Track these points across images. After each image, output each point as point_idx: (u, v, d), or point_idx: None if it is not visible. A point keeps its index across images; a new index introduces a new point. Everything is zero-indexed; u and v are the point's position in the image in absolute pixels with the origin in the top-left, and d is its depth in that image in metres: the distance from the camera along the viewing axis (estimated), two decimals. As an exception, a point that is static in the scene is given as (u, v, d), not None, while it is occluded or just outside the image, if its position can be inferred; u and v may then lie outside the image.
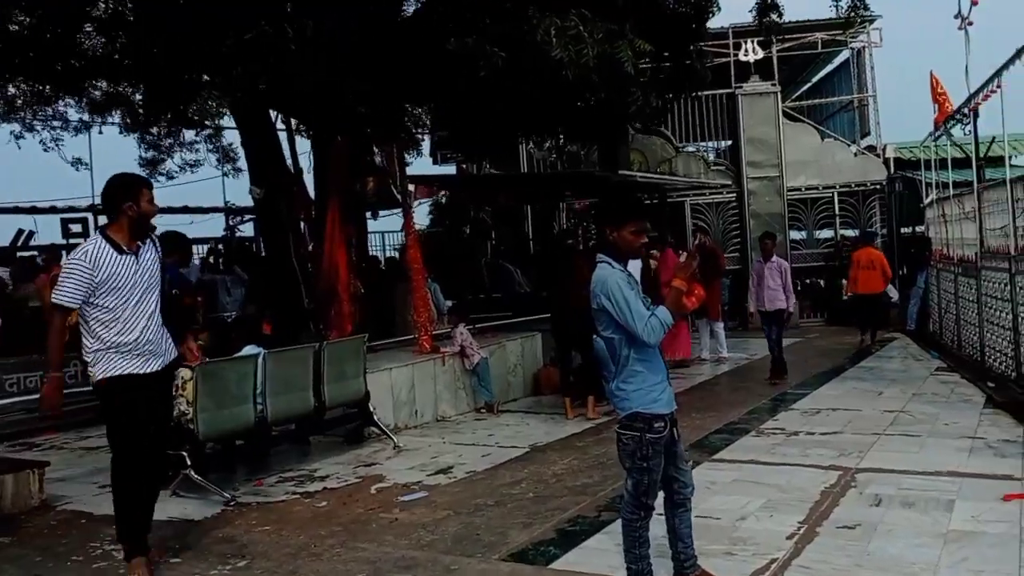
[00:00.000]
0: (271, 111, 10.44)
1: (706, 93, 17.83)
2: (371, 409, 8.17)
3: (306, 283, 10.12)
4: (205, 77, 7.80)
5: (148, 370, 4.73)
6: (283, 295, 10.09)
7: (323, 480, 6.97)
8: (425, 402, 9.32)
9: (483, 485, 6.62)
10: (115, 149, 17.94)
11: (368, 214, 11.18)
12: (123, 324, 4.64)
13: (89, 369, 4.70)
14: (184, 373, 6.53)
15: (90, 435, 9.10)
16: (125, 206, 4.66)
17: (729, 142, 19.10)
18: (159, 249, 4.95)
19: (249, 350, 7.19)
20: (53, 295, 4.58)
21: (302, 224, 10.30)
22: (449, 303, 11.93)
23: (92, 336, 4.64)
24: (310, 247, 10.23)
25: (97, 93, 12.85)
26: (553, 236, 17.61)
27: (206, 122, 14.32)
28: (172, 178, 16.95)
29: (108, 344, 4.62)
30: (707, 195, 18.09)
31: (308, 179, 10.42)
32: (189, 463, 6.35)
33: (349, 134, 9.66)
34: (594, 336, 4.07)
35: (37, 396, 8.58)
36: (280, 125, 10.77)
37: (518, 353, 10.85)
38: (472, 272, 15.36)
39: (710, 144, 21.11)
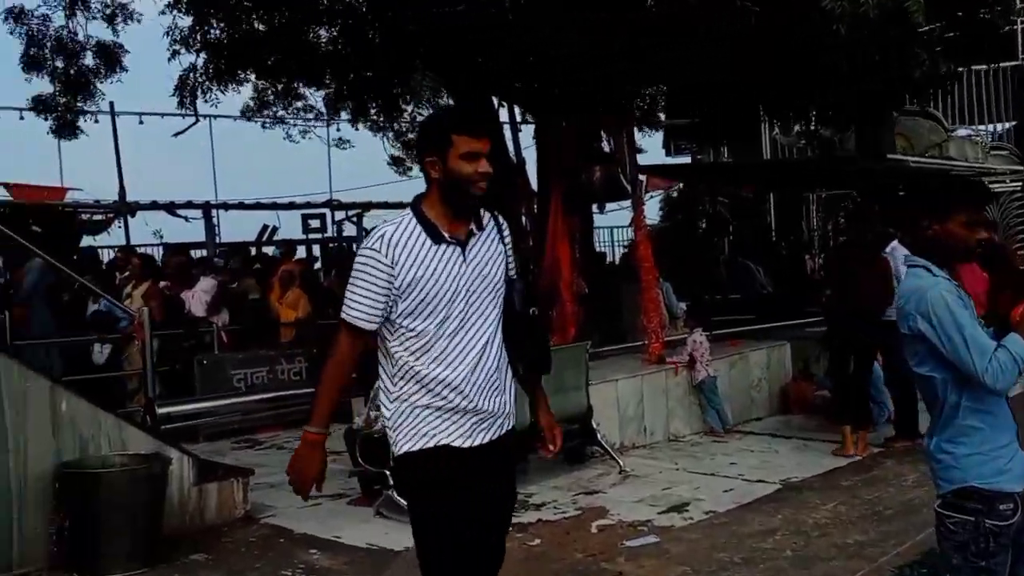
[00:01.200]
0: (493, 99, 9.80)
1: (984, 67, 15.34)
2: (594, 426, 7.25)
3: (525, 280, 9.33)
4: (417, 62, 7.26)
5: (476, 441, 2.81)
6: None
7: (538, 509, 6.13)
8: (655, 419, 8.26)
9: (726, 532, 5.48)
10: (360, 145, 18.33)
11: (594, 207, 10.26)
12: (437, 359, 2.77)
13: (388, 433, 2.91)
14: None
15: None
16: (427, 161, 2.79)
17: (1011, 123, 16.37)
18: (505, 232, 2.96)
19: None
20: (343, 307, 2.79)
21: (523, 218, 9.58)
22: (683, 305, 10.77)
23: (393, 378, 2.82)
24: (531, 242, 9.48)
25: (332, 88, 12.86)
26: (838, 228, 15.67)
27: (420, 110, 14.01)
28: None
29: (412, 392, 2.78)
30: (987, 184, 15.51)
31: (531, 170, 9.68)
32: (392, 482, 5.72)
33: (575, 118, 8.80)
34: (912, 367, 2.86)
35: (261, 396, 8.68)
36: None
37: (763, 364, 9.47)
38: (708, 271, 14.05)
39: (982, 127, 18.30)
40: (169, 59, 9.40)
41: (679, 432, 8.47)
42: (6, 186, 11.30)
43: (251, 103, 13.34)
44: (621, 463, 7.15)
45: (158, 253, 12.61)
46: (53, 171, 13.74)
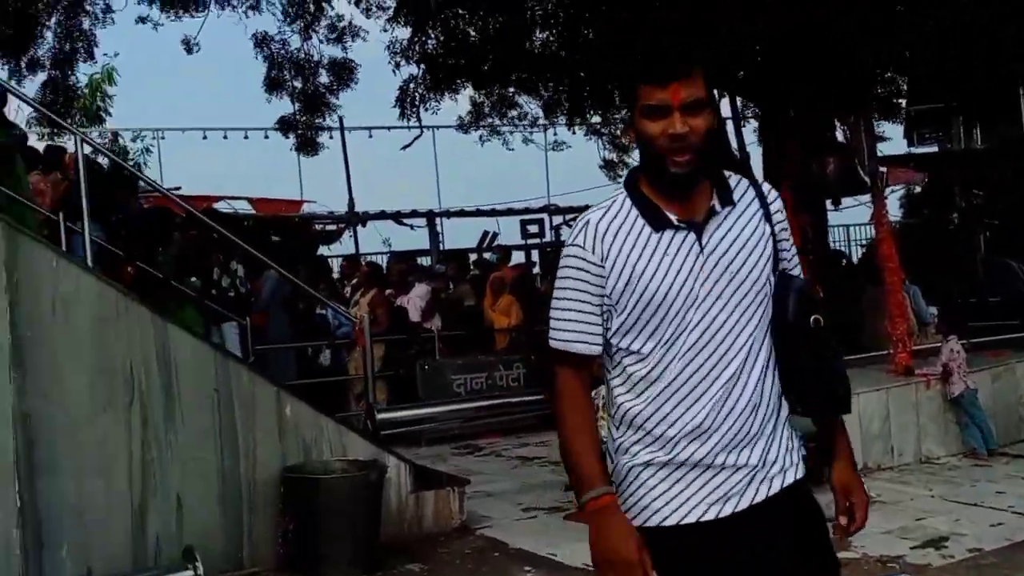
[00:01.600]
0: (714, 91, 9.26)
1: None
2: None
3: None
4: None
5: (730, 509, 1.96)
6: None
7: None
8: (905, 438, 7.38)
9: (995, 574, 4.69)
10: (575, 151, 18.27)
11: (828, 202, 9.40)
12: (664, 393, 1.96)
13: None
14: (603, 390, 5.65)
15: (528, 442, 8.79)
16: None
17: None
18: (773, 206, 2.05)
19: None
20: (550, 332, 2.05)
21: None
22: (933, 310, 9.65)
23: (615, 422, 2.05)
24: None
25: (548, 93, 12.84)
26: None
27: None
28: None
29: (633, 442, 2.00)
30: None
31: (756, 165, 9.04)
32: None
33: (804, 105, 8.09)
34: None
35: (479, 403, 8.69)
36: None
37: (1033, 377, 8.26)
38: (963, 271, 12.59)
39: None
40: (394, 71, 9.66)
41: (932, 453, 7.53)
42: (249, 200, 12.23)
43: (466, 117, 13.62)
44: (866, 486, 6.39)
45: (386, 261, 13.12)
46: (294, 186, 14.79)
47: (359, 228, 14.56)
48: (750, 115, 9.82)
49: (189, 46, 12.20)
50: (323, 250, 12.44)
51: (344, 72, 11.89)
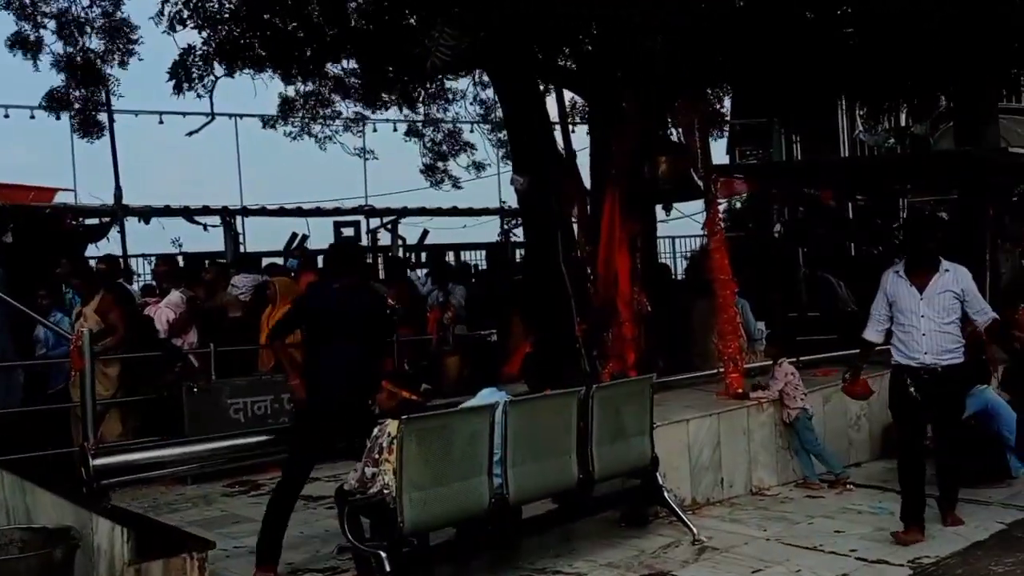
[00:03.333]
0: (540, 83, 8.35)
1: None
2: (659, 480, 5.71)
3: (577, 297, 7.86)
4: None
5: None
6: (546, 313, 7.92)
7: (588, 599, 4.61)
8: (735, 467, 6.66)
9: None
10: (392, 153, 17.06)
11: (659, 207, 8.67)
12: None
13: None
14: (391, 427, 4.50)
15: (319, 475, 7.47)
16: None
17: None
18: None
19: (486, 396, 5.01)
20: None
21: (574, 221, 8.08)
22: (761, 325, 9.13)
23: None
24: (582, 251, 7.97)
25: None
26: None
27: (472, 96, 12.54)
28: (460, 187, 15.29)
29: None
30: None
31: (583, 163, 8.20)
32: (388, 568, 4.23)
33: (637, 101, 7.28)
34: None
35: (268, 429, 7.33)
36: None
37: (862, 398, 7.79)
38: (785, 286, 12.31)
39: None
40: (168, 32, 8.08)
41: (764, 483, 6.87)
42: None
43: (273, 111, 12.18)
44: (695, 530, 5.57)
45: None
46: (67, 178, 12.77)
47: (144, 226, 12.72)
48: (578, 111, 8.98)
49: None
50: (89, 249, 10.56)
51: (119, 36, 10.08)
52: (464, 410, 4.74)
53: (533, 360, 7.02)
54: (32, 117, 12.43)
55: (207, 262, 9.55)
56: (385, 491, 4.46)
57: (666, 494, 5.73)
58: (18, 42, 9.88)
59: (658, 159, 7.38)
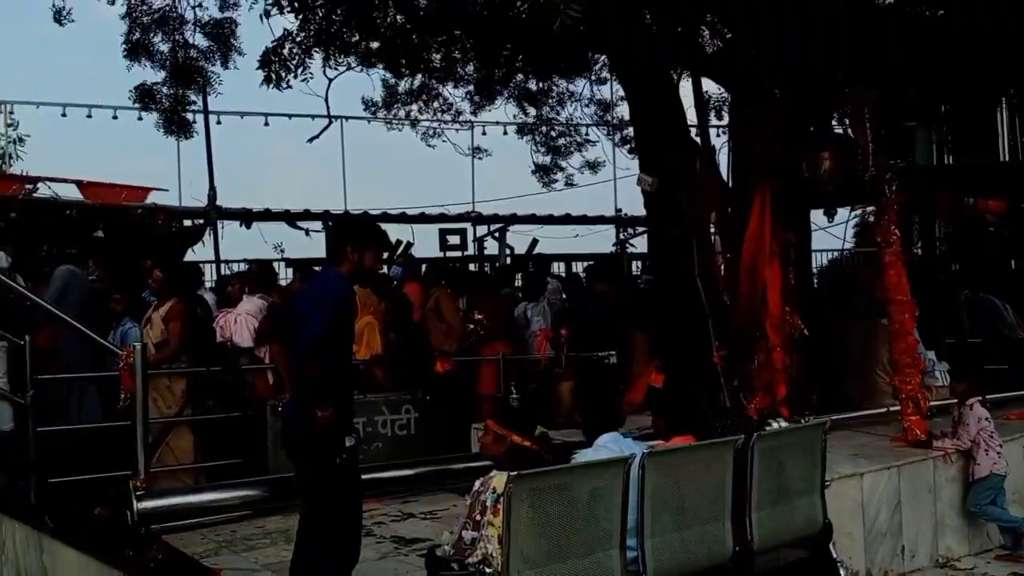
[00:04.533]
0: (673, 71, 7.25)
1: None
2: (833, 553, 4.52)
3: (715, 317, 6.73)
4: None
5: None
6: (676, 335, 6.82)
7: None
8: (919, 533, 5.38)
9: None
10: (500, 158, 16.19)
11: (820, 211, 7.40)
12: None
13: None
14: (496, 481, 3.52)
15: (414, 511, 6.57)
16: None
17: None
18: None
19: (609, 444, 3.94)
20: None
21: (711, 228, 6.95)
22: (931, 355, 7.72)
23: None
24: (722, 262, 6.82)
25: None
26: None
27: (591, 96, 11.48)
28: (572, 184, 14.17)
29: None
30: None
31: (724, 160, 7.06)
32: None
33: (793, 86, 6.12)
34: None
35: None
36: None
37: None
38: (945, 309, 10.74)
39: None
40: (262, 17, 7.37)
41: (953, 553, 5.56)
42: (78, 184, 9.74)
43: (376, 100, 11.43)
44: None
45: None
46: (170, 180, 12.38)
47: (245, 230, 12.22)
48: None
49: (60, 16, 9.70)
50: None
51: (220, 34, 9.53)
52: (591, 465, 3.69)
53: (661, 394, 5.94)
54: (140, 119, 12.12)
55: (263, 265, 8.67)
56: (488, 563, 3.47)
57: (840, 567, 4.55)
58: (134, 49, 9.48)
59: (820, 155, 6.17)
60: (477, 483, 3.61)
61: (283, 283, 8.82)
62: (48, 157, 17.79)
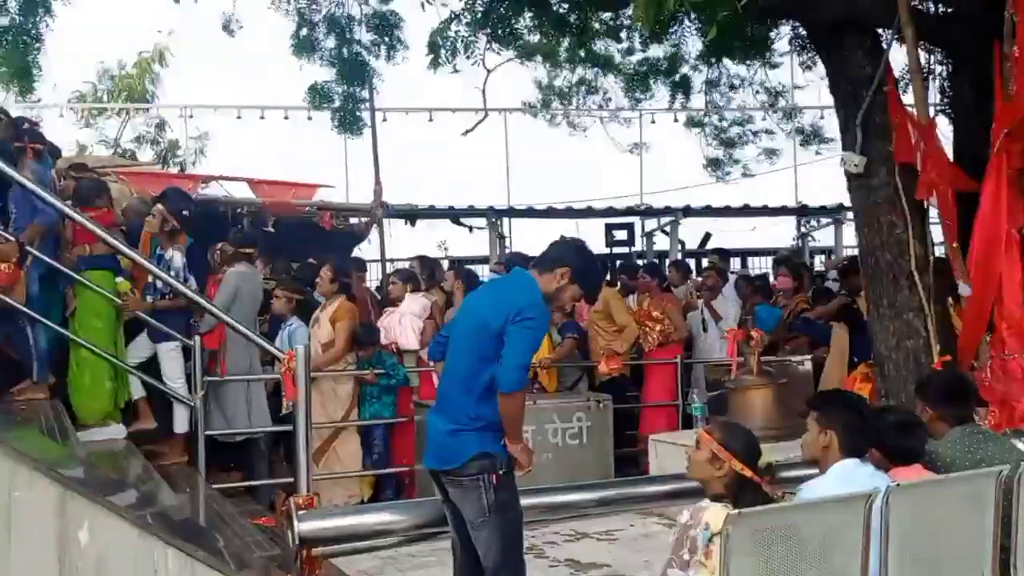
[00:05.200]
0: (881, 30, 6.32)
1: None
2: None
3: (937, 316, 5.82)
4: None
5: None
6: (886, 338, 5.94)
7: None
8: None
9: None
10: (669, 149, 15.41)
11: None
12: None
13: None
14: (710, 516, 2.94)
15: (588, 530, 6.02)
16: None
17: None
18: None
19: (846, 474, 3.23)
20: None
21: (932, 214, 6.01)
22: None
23: None
24: (946, 253, 5.87)
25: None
26: None
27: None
28: (750, 174, 13.14)
29: None
30: None
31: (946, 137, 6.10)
32: None
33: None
34: None
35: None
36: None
37: None
38: None
39: None
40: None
41: None
42: (250, 183, 9.82)
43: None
44: None
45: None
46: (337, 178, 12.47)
47: (408, 227, 12.11)
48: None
49: (230, 27, 9.89)
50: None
51: (385, 26, 9.33)
52: (825, 502, 3.00)
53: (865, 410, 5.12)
54: (309, 118, 12.24)
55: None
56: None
57: None
58: (302, 46, 9.47)
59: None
60: (685, 514, 3.02)
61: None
62: (224, 158, 18.46)
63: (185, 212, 5.88)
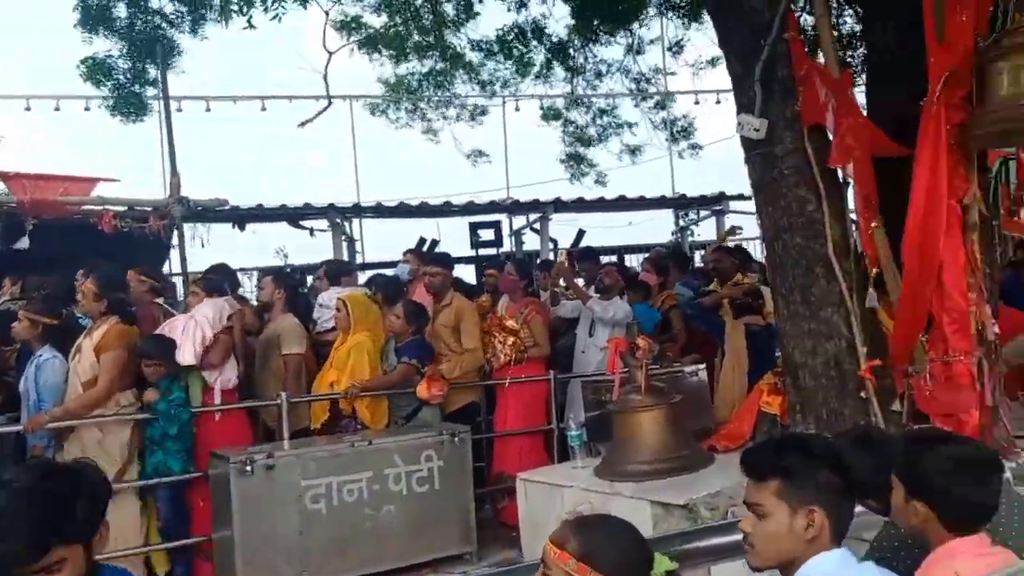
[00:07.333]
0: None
1: None
2: None
3: (860, 312, 4.76)
4: None
5: None
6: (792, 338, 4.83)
7: None
8: None
9: None
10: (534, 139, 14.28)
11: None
12: None
13: None
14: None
15: None
16: None
17: None
18: None
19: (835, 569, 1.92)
20: None
21: (850, 189, 4.93)
22: None
23: None
24: (867, 234, 4.79)
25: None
26: None
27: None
28: (602, 183, 12.15)
29: None
30: None
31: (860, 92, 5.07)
32: None
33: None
34: None
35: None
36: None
37: None
38: None
39: None
40: None
41: None
42: (3, 177, 7.89)
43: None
44: None
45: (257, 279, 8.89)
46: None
47: (239, 232, 10.37)
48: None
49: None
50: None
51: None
52: None
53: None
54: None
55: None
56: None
57: None
58: (86, 15, 7.69)
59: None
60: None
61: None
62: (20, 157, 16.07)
63: None
